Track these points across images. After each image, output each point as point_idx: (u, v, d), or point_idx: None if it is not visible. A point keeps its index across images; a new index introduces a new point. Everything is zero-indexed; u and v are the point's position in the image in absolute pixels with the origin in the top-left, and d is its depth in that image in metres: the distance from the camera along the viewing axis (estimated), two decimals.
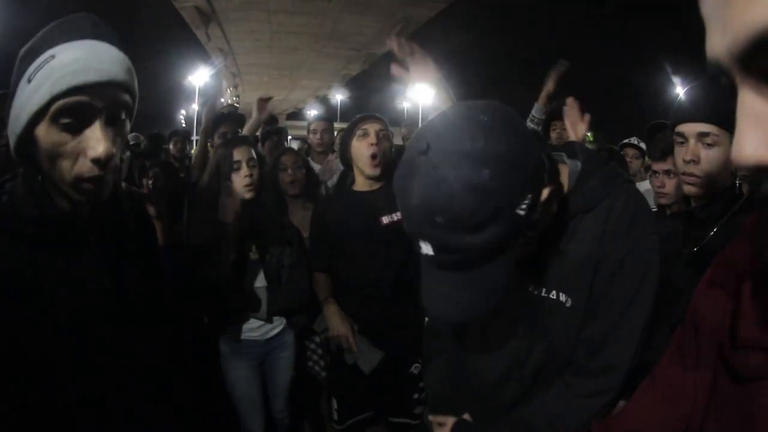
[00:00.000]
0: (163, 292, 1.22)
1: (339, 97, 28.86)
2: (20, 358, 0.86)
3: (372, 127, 2.17)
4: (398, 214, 2.09)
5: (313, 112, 23.55)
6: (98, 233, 1.00)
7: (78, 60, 0.82)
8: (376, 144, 2.14)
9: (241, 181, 2.13)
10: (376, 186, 2.21)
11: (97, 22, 0.89)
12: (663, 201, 2.12)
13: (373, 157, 2.14)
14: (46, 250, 0.90)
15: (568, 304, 1.04)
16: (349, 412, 2.25)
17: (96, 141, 0.85)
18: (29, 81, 0.82)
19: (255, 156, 2.21)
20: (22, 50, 0.87)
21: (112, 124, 0.89)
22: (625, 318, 1.01)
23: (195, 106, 21.58)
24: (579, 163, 1.07)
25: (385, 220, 2.16)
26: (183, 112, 28.04)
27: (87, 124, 0.85)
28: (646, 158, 3.54)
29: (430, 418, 1.37)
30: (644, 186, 3.11)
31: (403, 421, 2.24)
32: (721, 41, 0.37)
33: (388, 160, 2.21)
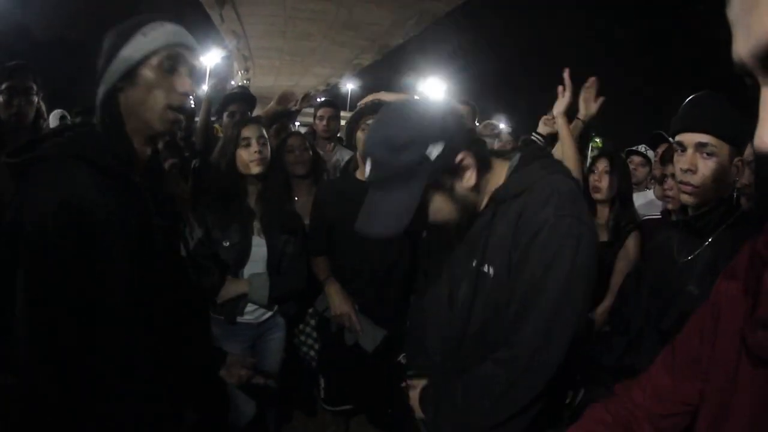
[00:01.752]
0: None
1: (350, 86, 28.78)
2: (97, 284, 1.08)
3: None
4: None
5: (322, 99, 23.42)
6: (150, 178, 1.27)
7: (180, 30, 1.21)
8: None
9: (249, 156, 2.16)
10: None
11: (171, 15, 1.24)
12: (671, 205, 2.15)
13: None
14: (121, 184, 1.14)
15: (491, 275, 1.22)
16: (336, 395, 2.28)
17: (185, 80, 1.20)
18: (144, 35, 1.16)
19: (265, 135, 2.24)
20: (117, 28, 1.19)
21: (190, 75, 1.23)
22: (537, 295, 1.13)
23: (205, 87, 21.46)
24: (517, 158, 1.28)
25: None
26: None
27: (177, 69, 1.19)
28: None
29: (407, 382, 1.55)
30: (648, 196, 3.11)
31: (389, 411, 2.27)
32: (745, 45, 0.40)
33: None
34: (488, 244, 1.22)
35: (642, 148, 3.75)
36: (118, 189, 1.14)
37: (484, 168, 1.23)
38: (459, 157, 1.16)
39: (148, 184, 1.24)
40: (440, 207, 1.21)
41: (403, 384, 1.73)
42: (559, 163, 1.31)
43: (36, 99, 2.52)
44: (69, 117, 4.60)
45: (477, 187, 1.23)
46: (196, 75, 1.26)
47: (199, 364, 1.45)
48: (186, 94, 1.20)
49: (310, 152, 2.78)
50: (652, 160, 3.53)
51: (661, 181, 2.35)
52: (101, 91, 1.18)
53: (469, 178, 1.19)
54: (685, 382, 0.89)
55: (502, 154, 1.34)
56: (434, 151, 1.11)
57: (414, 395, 1.43)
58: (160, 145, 2.84)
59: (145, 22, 1.18)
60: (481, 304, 1.25)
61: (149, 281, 1.19)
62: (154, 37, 1.17)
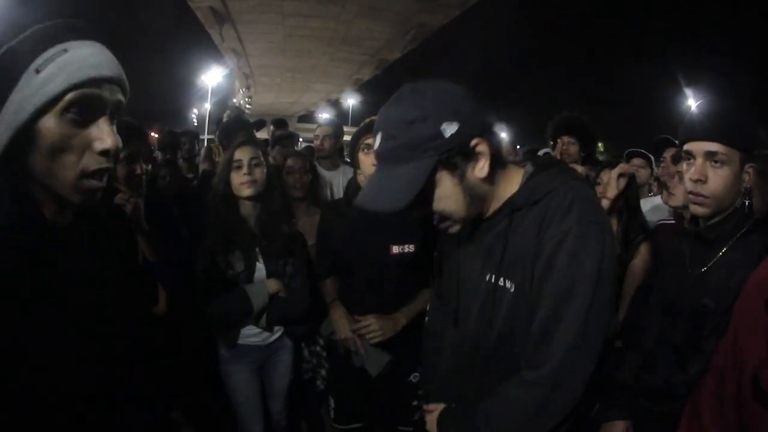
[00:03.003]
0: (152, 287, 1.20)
1: (351, 101, 28.89)
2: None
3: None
4: (410, 245, 2.09)
5: (324, 115, 23.59)
6: (78, 239, 0.96)
7: (94, 55, 0.86)
8: None
9: (239, 179, 2.14)
10: None
11: (91, 25, 0.90)
12: (671, 203, 2.24)
13: None
14: (25, 256, 0.84)
15: (511, 290, 1.14)
16: (346, 415, 2.24)
17: (105, 133, 0.86)
18: (37, 72, 0.81)
19: (260, 157, 2.21)
20: (8, 47, 0.83)
21: (112, 121, 0.90)
22: (564, 307, 1.06)
23: (207, 105, 21.73)
24: (532, 166, 1.21)
25: (395, 249, 2.09)
26: (195, 111, 28.18)
27: (94, 118, 0.86)
28: (655, 170, 3.48)
29: (424, 407, 1.45)
30: (655, 201, 3.05)
31: (400, 429, 2.22)
32: None
33: None
34: (505, 256, 1.15)
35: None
36: (14, 260, 0.83)
37: (497, 162, 1.14)
38: (474, 141, 1.09)
39: (69, 253, 0.93)
40: (448, 193, 1.11)
41: (418, 405, 1.70)
42: (575, 171, 1.25)
43: None
44: None
45: (488, 181, 1.15)
46: (121, 114, 0.93)
47: None
48: (107, 153, 0.87)
49: (310, 175, 2.74)
50: (653, 162, 3.49)
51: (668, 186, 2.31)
52: (5, 135, 0.83)
53: (483, 167, 1.11)
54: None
55: (514, 162, 1.26)
56: (448, 129, 1.05)
57: (431, 420, 1.37)
58: (159, 158, 2.86)
59: (40, 48, 0.83)
60: (500, 321, 1.16)
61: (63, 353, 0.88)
62: (51, 74, 0.82)
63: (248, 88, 25.75)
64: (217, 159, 3.82)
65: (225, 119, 4.13)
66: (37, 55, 0.82)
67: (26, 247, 0.85)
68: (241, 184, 2.14)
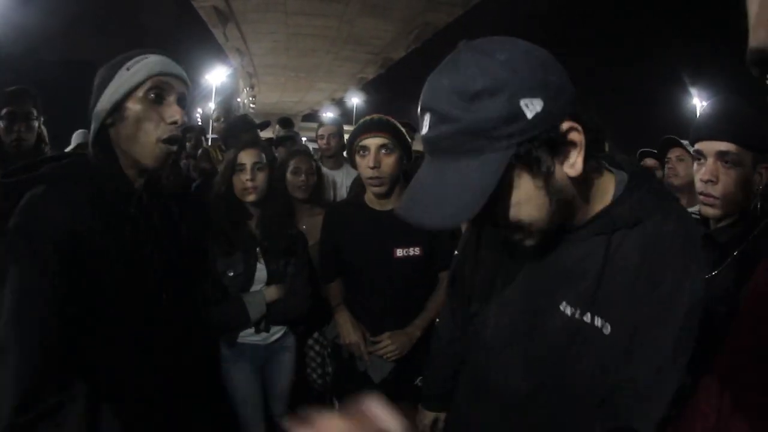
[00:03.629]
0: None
1: (355, 100, 28.87)
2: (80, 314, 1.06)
3: (373, 142, 1.96)
4: (416, 248, 2.04)
5: (328, 114, 23.56)
6: (151, 208, 1.28)
7: (164, 60, 1.23)
8: (376, 166, 1.94)
9: (241, 184, 2.12)
10: (388, 206, 2.08)
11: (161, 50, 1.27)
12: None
13: (372, 178, 1.97)
14: (113, 217, 1.16)
15: (605, 332, 0.88)
16: None
17: (173, 109, 1.20)
18: (128, 69, 1.18)
19: (264, 160, 2.19)
20: (106, 66, 1.22)
21: (179, 104, 1.24)
22: (670, 364, 0.85)
23: (211, 105, 21.76)
24: (625, 174, 0.95)
25: (399, 252, 2.05)
26: (199, 110, 28.26)
27: (165, 99, 1.20)
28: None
29: (422, 411, 1.45)
30: None
31: None
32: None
33: (397, 176, 2.03)
34: (601, 289, 0.89)
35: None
36: (110, 216, 1.15)
37: (592, 156, 0.85)
38: (565, 126, 0.78)
39: (145, 215, 1.25)
40: (528, 197, 0.81)
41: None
42: (669, 189, 1.05)
43: (37, 124, 2.51)
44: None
45: (581, 181, 0.86)
46: (185, 102, 1.27)
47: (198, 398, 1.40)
48: (175, 123, 1.20)
49: (315, 177, 2.68)
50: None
51: (676, 189, 2.28)
52: (92, 126, 1.21)
53: (575, 162, 0.81)
54: None
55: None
56: (531, 108, 0.74)
57: (425, 427, 1.33)
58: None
59: (130, 57, 1.21)
60: (585, 365, 0.92)
61: (138, 310, 1.18)
62: (136, 69, 1.19)
63: (252, 87, 25.77)
64: (219, 158, 3.80)
65: (215, 118, 4.11)
66: (127, 60, 1.20)
67: (116, 206, 1.19)
68: (244, 189, 2.12)
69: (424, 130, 0.80)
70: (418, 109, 0.82)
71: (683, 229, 0.88)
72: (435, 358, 1.50)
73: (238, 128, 3.36)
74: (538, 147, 0.77)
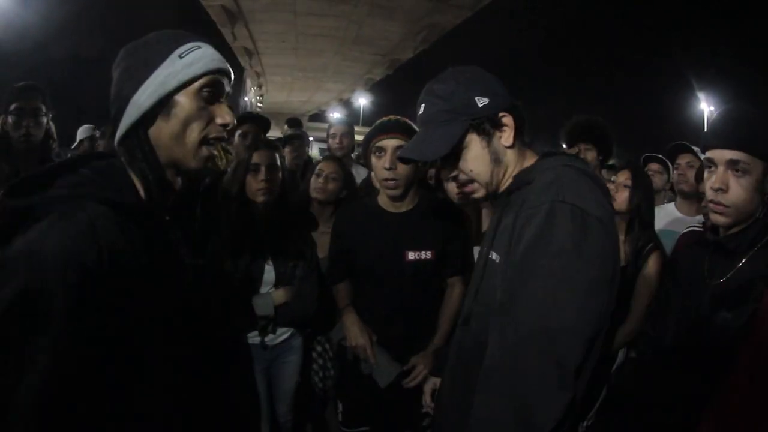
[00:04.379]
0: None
1: (362, 101, 28.85)
2: (112, 329, 0.94)
3: (389, 144, 1.96)
4: (427, 252, 2.05)
5: (336, 114, 23.60)
6: (182, 212, 1.17)
7: (218, 55, 1.10)
8: (392, 167, 1.95)
9: (256, 185, 2.11)
10: (402, 208, 2.09)
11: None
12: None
13: (388, 180, 1.98)
14: (146, 224, 1.04)
15: (497, 260, 1.23)
16: (354, 419, 2.22)
17: (225, 111, 1.10)
18: (180, 57, 1.04)
19: (278, 162, 2.18)
20: (141, 45, 1.07)
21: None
22: (522, 286, 1.09)
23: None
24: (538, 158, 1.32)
25: (411, 255, 2.04)
26: None
27: (217, 99, 1.09)
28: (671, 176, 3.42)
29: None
30: (669, 210, 2.98)
31: None
32: None
33: (412, 179, 2.03)
34: (497, 231, 1.27)
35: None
36: (144, 230, 1.03)
37: (519, 137, 1.31)
38: (501, 114, 1.26)
39: (180, 221, 1.15)
40: (476, 154, 1.27)
41: (427, 411, 1.77)
42: (579, 159, 1.31)
43: (45, 119, 2.52)
44: (98, 133, 4.48)
45: (512, 152, 1.30)
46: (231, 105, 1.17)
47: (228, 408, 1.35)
48: (225, 127, 1.10)
49: (340, 183, 2.61)
50: (670, 168, 3.42)
51: (686, 197, 2.25)
52: (124, 122, 1.05)
53: (508, 136, 1.27)
54: None
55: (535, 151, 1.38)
56: (480, 101, 1.24)
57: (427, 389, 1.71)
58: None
59: (181, 41, 1.07)
60: (485, 295, 1.27)
61: (176, 325, 1.07)
62: (192, 60, 1.05)
63: (260, 86, 25.83)
64: (221, 162, 3.79)
65: None
66: (178, 45, 1.05)
67: (153, 208, 1.07)
68: (258, 190, 2.11)
69: (420, 113, 1.30)
70: (418, 102, 1.31)
71: (550, 177, 1.17)
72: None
73: (248, 118, 3.36)
74: (484, 122, 1.25)
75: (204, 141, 1.08)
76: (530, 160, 1.31)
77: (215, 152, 1.10)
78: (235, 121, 1.13)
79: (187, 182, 1.15)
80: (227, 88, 1.12)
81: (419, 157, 1.33)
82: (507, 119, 1.27)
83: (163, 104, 1.04)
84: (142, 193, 1.06)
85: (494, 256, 1.26)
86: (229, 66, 1.13)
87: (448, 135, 1.24)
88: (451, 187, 2.33)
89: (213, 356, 1.25)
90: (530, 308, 1.06)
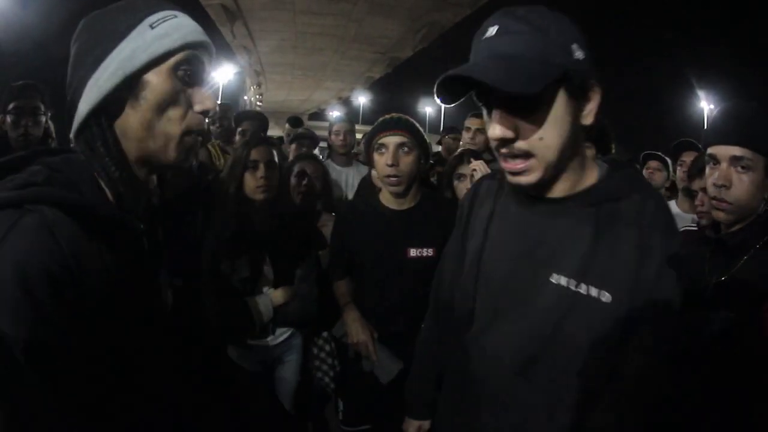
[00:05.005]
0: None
1: (362, 99, 28.84)
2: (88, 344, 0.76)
3: (392, 141, 1.97)
4: (429, 249, 2.03)
5: (335, 113, 23.48)
6: (159, 220, 1.01)
7: (198, 27, 0.91)
8: (394, 164, 1.96)
9: (254, 182, 2.09)
10: (404, 205, 2.08)
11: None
12: (705, 220, 2.02)
13: (390, 177, 1.98)
14: (116, 232, 0.83)
15: (604, 300, 0.93)
16: (355, 417, 2.21)
17: (206, 96, 0.90)
18: (152, 27, 0.84)
19: (275, 159, 2.16)
20: (105, 12, 0.87)
21: None
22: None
23: (218, 102, 21.60)
24: (605, 164, 1.08)
25: (412, 252, 2.03)
26: None
27: (197, 80, 0.90)
28: (676, 175, 3.42)
29: (407, 421, 1.44)
30: (669, 206, 2.99)
31: None
32: None
33: (413, 176, 2.03)
34: (595, 259, 0.96)
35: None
36: (112, 240, 0.82)
37: (596, 123, 0.99)
38: (592, 82, 0.95)
39: (154, 229, 0.97)
40: (557, 118, 0.93)
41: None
42: (643, 178, 1.15)
43: (44, 119, 2.51)
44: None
45: (587, 129, 0.99)
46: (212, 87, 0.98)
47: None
48: (207, 113, 0.91)
49: (318, 185, 2.61)
50: (669, 165, 3.43)
51: (688, 194, 2.23)
52: (84, 103, 0.84)
53: (591, 113, 0.97)
54: None
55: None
56: (577, 53, 0.92)
57: None
58: None
59: (154, 7, 0.87)
60: (587, 339, 0.95)
61: (144, 342, 0.89)
62: (166, 31, 0.85)
63: (259, 85, 25.78)
64: (219, 156, 3.80)
65: (211, 122, 4.09)
66: (149, 13, 0.85)
67: (123, 214, 0.85)
68: (257, 187, 2.09)
69: (491, 34, 0.93)
70: (486, 24, 0.95)
71: (665, 209, 1.00)
72: (418, 363, 1.53)
73: (246, 116, 3.36)
74: (578, 82, 0.93)
75: (186, 131, 0.89)
76: (592, 164, 1.06)
77: (199, 142, 0.93)
78: (217, 108, 0.97)
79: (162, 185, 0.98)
80: (209, 69, 0.93)
81: (505, 86, 0.85)
82: (596, 91, 0.96)
83: (130, 85, 0.84)
84: (109, 195, 0.86)
85: (594, 291, 0.94)
86: (210, 41, 0.93)
87: (543, 71, 0.87)
88: (464, 186, 2.33)
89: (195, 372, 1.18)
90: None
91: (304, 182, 2.57)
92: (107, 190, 0.85)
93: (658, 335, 0.93)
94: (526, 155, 0.95)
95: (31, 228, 0.71)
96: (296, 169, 2.61)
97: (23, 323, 0.66)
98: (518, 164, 0.97)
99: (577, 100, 0.94)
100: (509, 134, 0.93)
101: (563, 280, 0.97)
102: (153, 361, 0.92)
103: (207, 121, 0.93)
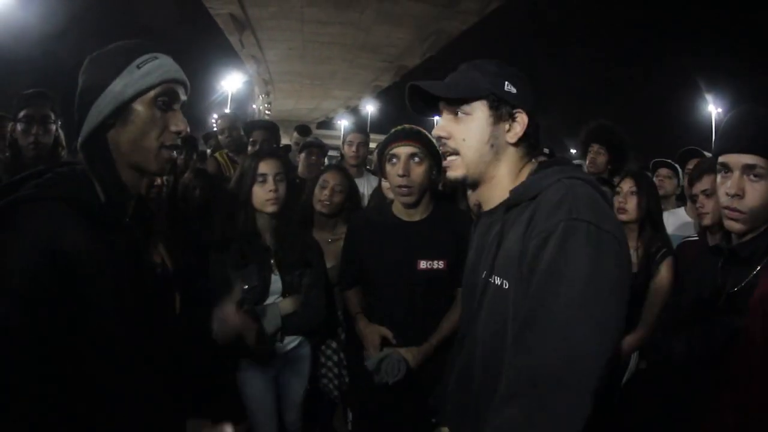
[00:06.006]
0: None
1: (370, 108, 28.85)
2: (74, 334, 0.97)
3: (403, 151, 1.98)
4: (440, 262, 2.03)
5: (343, 121, 23.50)
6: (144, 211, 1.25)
7: (175, 65, 1.17)
8: (405, 174, 1.95)
9: (264, 195, 2.10)
10: (416, 216, 2.08)
11: (158, 45, 1.20)
12: (706, 221, 2.04)
13: (401, 187, 1.98)
14: (107, 224, 1.08)
15: (505, 287, 1.10)
16: (364, 428, 2.20)
17: (179, 119, 1.15)
18: (138, 67, 1.11)
19: (283, 171, 2.17)
20: (102, 56, 1.14)
21: None
22: (536, 316, 0.98)
23: (227, 111, 21.75)
24: (536, 163, 1.25)
25: (423, 264, 2.03)
26: (215, 116, 28.39)
27: (171, 107, 1.15)
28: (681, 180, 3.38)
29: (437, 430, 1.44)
30: (679, 214, 2.96)
31: None
32: None
33: (425, 186, 2.03)
34: (499, 253, 1.14)
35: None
36: (106, 232, 1.07)
37: (525, 145, 1.22)
38: (520, 110, 1.19)
39: (140, 226, 1.20)
40: (479, 127, 1.19)
41: (437, 421, 1.64)
42: (579, 169, 1.20)
43: (54, 127, 2.52)
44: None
45: (511, 151, 1.21)
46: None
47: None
48: (179, 133, 1.16)
49: (344, 195, 2.56)
50: (680, 173, 3.39)
51: (694, 200, 2.21)
52: (86, 127, 1.11)
53: (515, 133, 1.19)
54: None
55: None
56: (508, 88, 1.18)
57: None
58: (189, 174, 2.82)
59: (140, 51, 1.14)
60: (491, 323, 1.12)
61: (138, 326, 1.09)
62: (149, 70, 1.12)
63: (268, 94, 25.92)
64: (228, 165, 3.80)
65: (219, 131, 4.08)
66: (136, 56, 1.12)
67: (114, 213, 1.12)
68: (267, 200, 2.10)
69: (453, 73, 1.25)
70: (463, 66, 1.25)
71: (561, 192, 1.06)
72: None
73: (256, 125, 3.36)
74: (502, 105, 1.17)
75: (163, 146, 1.13)
76: (525, 172, 1.21)
77: (175, 156, 1.18)
78: (188, 129, 1.19)
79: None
80: (183, 97, 1.18)
81: (431, 89, 1.19)
82: (521, 117, 1.18)
83: (122, 111, 1.10)
84: (101, 195, 1.11)
85: (498, 281, 1.12)
86: (184, 75, 1.19)
87: (471, 88, 1.18)
88: (474, 197, 2.32)
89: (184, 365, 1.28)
90: (549, 339, 0.96)
91: (329, 194, 2.53)
92: (100, 192, 1.10)
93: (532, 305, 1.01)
94: (454, 152, 1.21)
95: (46, 215, 0.98)
96: (322, 179, 2.58)
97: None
98: (448, 161, 1.23)
99: (503, 121, 1.18)
100: (443, 134, 1.22)
101: (484, 274, 1.18)
102: (145, 356, 1.10)
103: (179, 137, 1.17)
